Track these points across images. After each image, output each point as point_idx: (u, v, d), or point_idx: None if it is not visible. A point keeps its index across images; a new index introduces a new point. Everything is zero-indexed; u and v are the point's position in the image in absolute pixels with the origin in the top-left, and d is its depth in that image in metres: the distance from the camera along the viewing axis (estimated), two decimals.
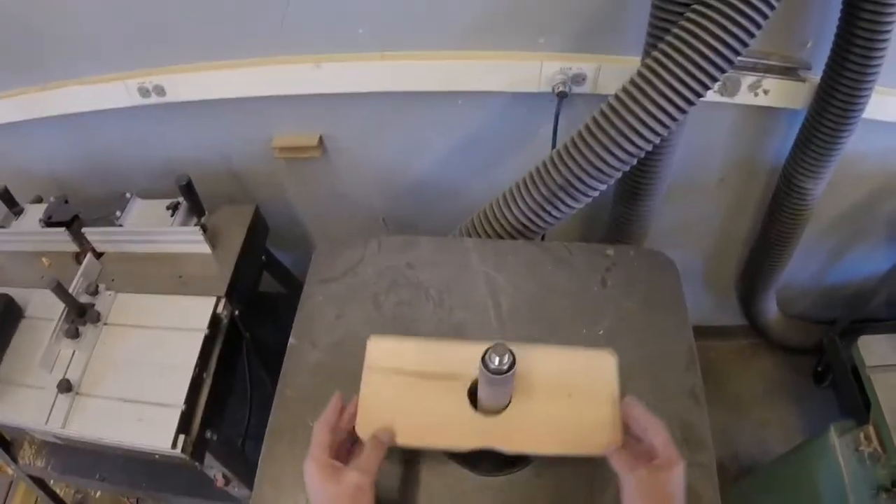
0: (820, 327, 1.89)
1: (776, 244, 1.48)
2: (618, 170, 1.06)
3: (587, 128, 1.05)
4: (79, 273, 1.23)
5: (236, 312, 1.23)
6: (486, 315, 0.98)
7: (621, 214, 1.37)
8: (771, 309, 1.80)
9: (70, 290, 1.18)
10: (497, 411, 0.78)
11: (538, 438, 0.76)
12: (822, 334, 1.84)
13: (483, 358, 0.70)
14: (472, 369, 0.77)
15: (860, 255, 1.69)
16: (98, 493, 1.86)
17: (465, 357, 0.80)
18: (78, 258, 1.33)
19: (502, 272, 1.03)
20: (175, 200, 1.29)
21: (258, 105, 1.23)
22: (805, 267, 1.69)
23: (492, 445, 0.76)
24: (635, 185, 1.29)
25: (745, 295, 1.77)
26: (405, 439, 0.76)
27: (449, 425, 0.78)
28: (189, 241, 1.26)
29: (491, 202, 1.18)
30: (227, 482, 1.26)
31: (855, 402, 1.65)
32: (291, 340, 0.97)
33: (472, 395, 0.79)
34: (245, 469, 1.26)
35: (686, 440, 0.86)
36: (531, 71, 1.15)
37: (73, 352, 1.19)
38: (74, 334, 1.18)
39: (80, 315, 1.20)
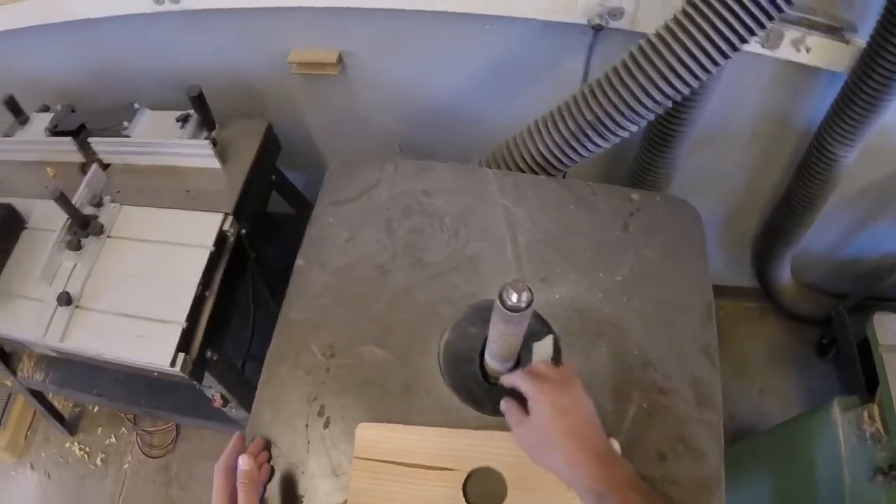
0: (830, 299, 1.84)
1: (799, 207, 1.41)
2: (651, 111, 1.00)
3: (624, 64, 0.98)
4: (83, 184, 1.17)
5: (243, 231, 1.17)
6: (501, 249, 0.93)
7: (646, 159, 1.31)
8: (784, 274, 1.74)
9: (73, 202, 1.13)
10: (507, 362, 0.75)
11: None
12: (831, 307, 1.80)
13: (500, 294, 0.64)
14: (468, 461, 0.75)
15: (881, 230, 1.63)
16: (96, 408, 1.84)
17: (460, 448, 0.76)
18: (83, 169, 1.27)
19: (522, 206, 0.97)
20: (185, 112, 1.22)
21: (276, 16, 1.15)
22: (824, 235, 1.63)
23: None
24: (665, 130, 1.22)
25: (760, 256, 1.72)
26: None
27: None
28: (198, 154, 1.20)
29: (515, 134, 1.12)
30: (226, 402, 1.23)
31: (856, 379, 1.62)
32: (299, 261, 0.92)
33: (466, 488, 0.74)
34: (244, 390, 1.23)
35: (696, 397, 0.82)
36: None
37: (75, 264, 1.14)
38: (76, 246, 1.14)
39: (82, 227, 1.15)
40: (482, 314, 0.84)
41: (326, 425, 0.79)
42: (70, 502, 1.71)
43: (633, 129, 1.03)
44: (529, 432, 0.67)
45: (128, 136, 1.23)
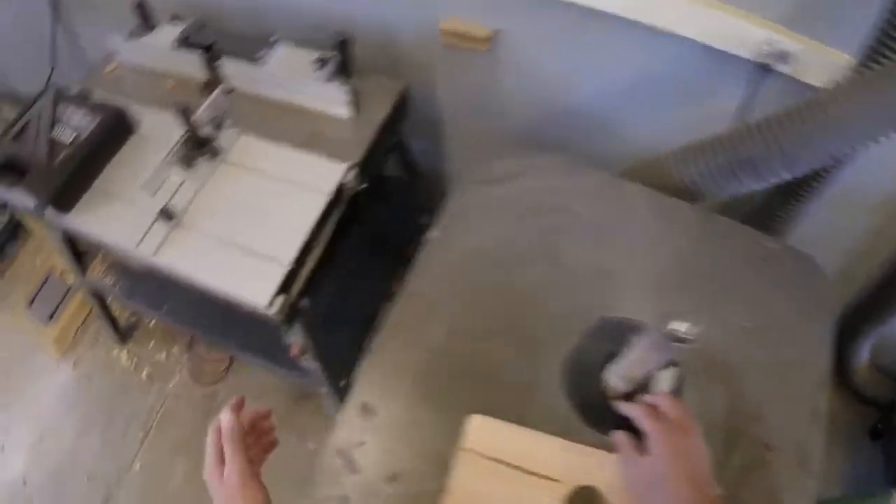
0: None
1: None
2: (819, 163, 0.95)
3: (803, 108, 0.92)
4: (207, 102, 1.14)
5: (363, 186, 1.14)
6: (640, 269, 0.89)
7: (776, 205, 1.25)
8: (863, 353, 1.68)
9: (193, 119, 1.10)
10: (631, 384, 0.73)
11: None
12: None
13: (668, 324, 0.67)
14: (576, 477, 0.72)
15: None
16: (152, 322, 1.84)
17: (571, 462, 0.73)
18: (207, 88, 1.24)
19: (667, 229, 0.93)
20: (325, 55, 1.19)
21: None
22: None
23: None
24: (808, 182, 1.17)
25: (845, 329, 1.65)
26: None
27: None
28: (332, 100, 1.17)
29: (664, 153, 1.07)
30: (303, 353, 1.20)
31: None
32: (434, 233, 0.89)
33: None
34: (324, 345, 1.20)
35: (798, 460, 0.79)
36: (737, 30, 1.02)
37: (183, 181, 1.13)
38: (189, 163, 1.12)
39: (199, 145, 1.13)
40: (611, 330, 0.83)
41: (430, 407, 0.77)
42: (104, 408, 1.71)
43: (791, 176, 0.98)
44: (641, 471, 0.65)
45: (263, 65, 1.20)
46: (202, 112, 1.13)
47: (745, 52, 1.05)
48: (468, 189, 0.93)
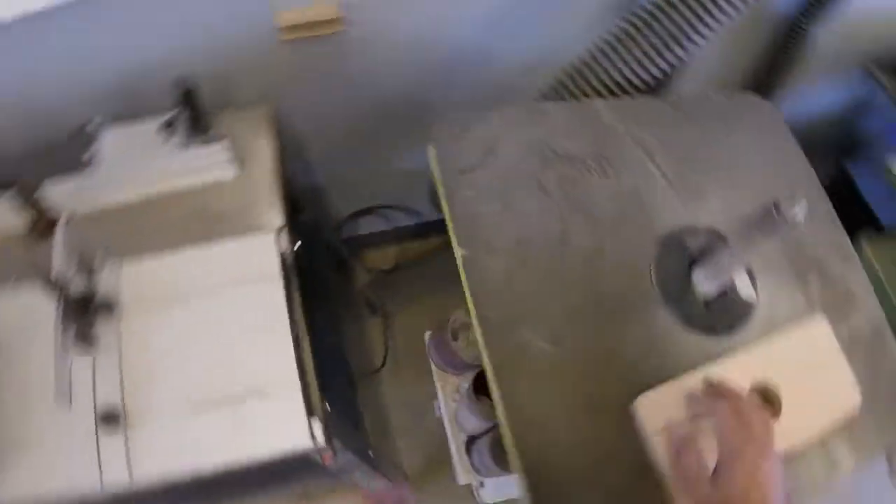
0: None
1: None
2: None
3: None
4: (55, 252, 0.83)
5: (298, 245, 0.94)
6: (651, 177, 0.84)
7: None
8: None
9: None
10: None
11: None
12: None
13: (775, 206, 0.62)
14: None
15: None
16: None
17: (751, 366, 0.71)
18: (39, 234, 0.91)
19: (643, 130, 0.88)
20: (168, 116, 0.93)
21: None
22: None
23: None
24: None
25: None
26: None
27: None
28: (204, 166, 0.93)
29: (577, 62, 1.01)
30: (335, 454, 0.99)
31: None
32: (462, 252, 0.75)
33: None
34: (344, 432, 1.01)
35: None
36: None
37: (93, 368, 0.83)
38: (87, 339, 0.83)
39: (83, 312, 0.83)
40: (676, 243, 0.79)
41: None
42: None
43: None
44: (706, 493, 0.55)
45: (94, 168, 0.91)
46: (57, 267, 0.82)
47: None
48: (457, 184, 0.78)
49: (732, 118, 0.94)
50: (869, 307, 0.83)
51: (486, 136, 0.83)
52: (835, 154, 1.83)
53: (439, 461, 1.55)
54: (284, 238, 0.91)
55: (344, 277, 1.64)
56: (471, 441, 1.08)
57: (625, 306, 0.75)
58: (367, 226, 1.66)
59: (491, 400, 0.84)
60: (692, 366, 0.70)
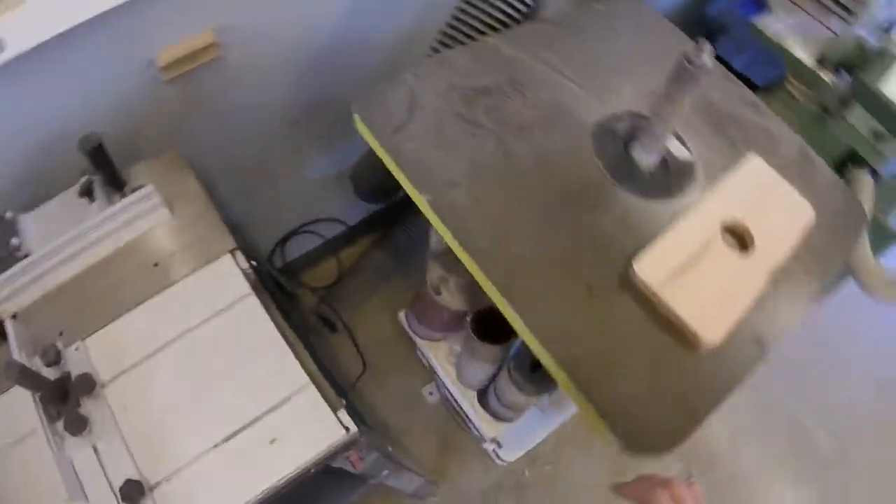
0: None
1: None
2: None
3: None
4: (12, 349, 0.80)
5: (253, 263, 0.93)
6: (566, 87, 0.91)
7: None
8: None
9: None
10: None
11: None
12: None
13: (686, 56, 0.69)
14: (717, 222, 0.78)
15: None
16: None
17: (710, 216, 0.78)
18: None
19: (541, 49, 0.94)
20: (84, 181, 0.89)
21: (132, 15, 0.88)
22: None
23: None
24: None
25: None
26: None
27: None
28: (138, 215, 0.90)
29: (458, 7, 1.07)
30: (361, 456, 0.99)
31: None
32: (427, 197, 0.77)
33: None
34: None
35: None
36: None
37: (95, 448, 0.79)
38: (78, 427, 0.78)
39: (61, 398, 0.79)
40: (607, 131, 0.87)
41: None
42: None
43: None
44: None
45: (22, 256, 0.86)
46: (20, 363, 0.77)
47: None
48: (395, 142, 0.80)
49: (615, 21, 1.02)
50: (788, 138, 0.93)
51: (405, 95, 0.86)
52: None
53: (451, 444, 1.57)
54: (241, 257, 0.90)
55: (291, 305, 1.61)
56: (482, 395, 1.10)
57: (587, 196, 0.81)
58: (298, 248, 1.65)
59: (493, 341, 0.88)
60: (663, 228, 0.77)
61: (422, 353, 1.26)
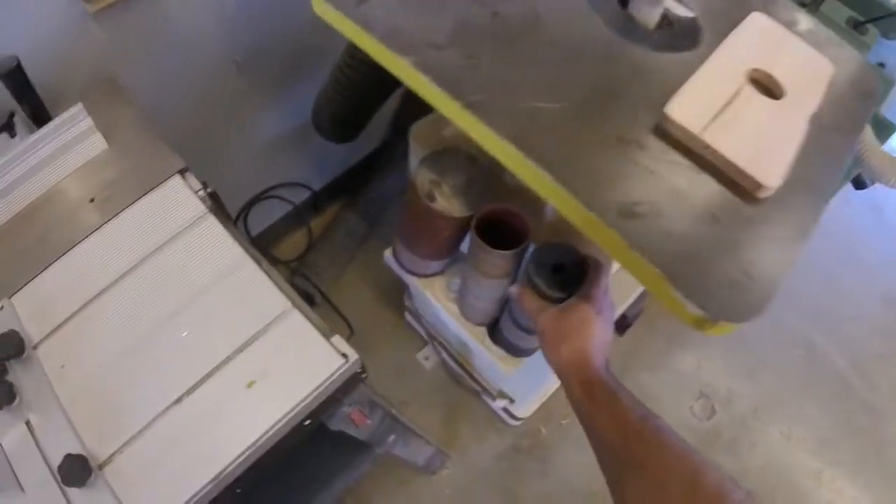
0: None
1: None
2: None
3: None
4: None
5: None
6: None
7: None
8: None
9: None
10: None
11: None
12: None
13: None
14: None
15: None
16: None
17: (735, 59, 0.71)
18: None
19: None
20: (5, 115, 0.75)
21: None
22: None
23: None
24: None
25: None
26: None
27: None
28: (69, 145, 0.76)
29: None
30: (364, 413, 0.84)
31: None
32: (410, 59, 0.64)
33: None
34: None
35: None
36: None
37: (28, 423, 0.65)
38: (5, 397, 0.64)
39: None
40: None
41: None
42: None
43: None
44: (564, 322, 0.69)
45: None
46: None
47: None
48: (363, 15, 0.67)
49: None
50: (783, 4, 0.84)
51: None
52: None
53: (457, 411, 1.45)
54: (192, 178, 0.76)
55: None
56: (492, 328, 0.97)
57: (595, 50, 0.71)
58: (262, 219, 1.50)
59: (502, 246, 0.76)
60: (684, 77, 0.67)
61: (418, 297, 1.13)
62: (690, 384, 1.62)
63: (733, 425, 1.58)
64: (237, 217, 1.44)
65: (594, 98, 0.66)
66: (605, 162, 0.61)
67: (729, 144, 0.62)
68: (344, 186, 1.61)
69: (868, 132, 1.15)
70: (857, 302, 1.90)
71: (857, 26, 1.27)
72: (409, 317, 1.46)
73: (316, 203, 1.57)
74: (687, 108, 0.63)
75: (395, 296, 1.48)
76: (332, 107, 1.14)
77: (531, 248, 0.78)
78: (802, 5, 1.28)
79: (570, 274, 0.74)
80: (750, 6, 0.80)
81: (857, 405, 1.68)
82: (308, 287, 1.47)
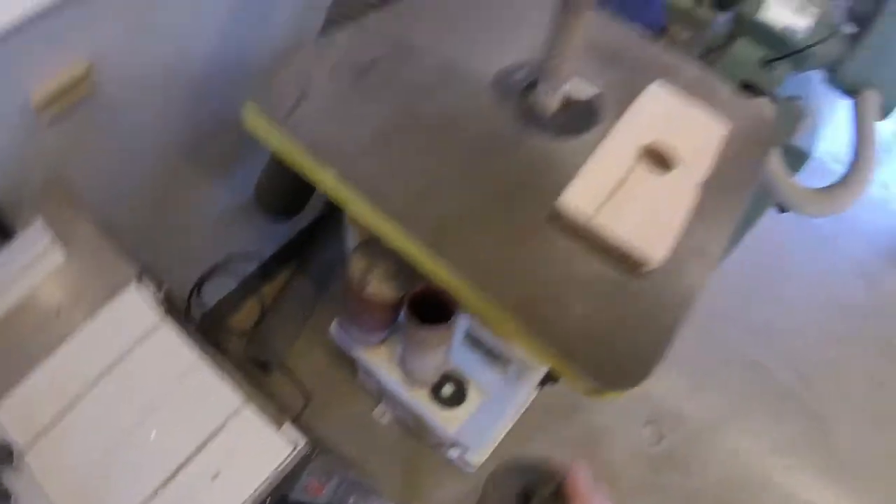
0: None
1: None
2: None
3: None
4: None
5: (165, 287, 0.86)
6: (455, 45, 0.91)
7: None
8: None
9: None
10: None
11: None
12: None
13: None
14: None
15: None
16: None
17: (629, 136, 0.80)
18: None
19: (423, 20, 0.95)
20: None
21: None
22: None
23: None
24: None
25: None
26: None
27: None
28: (30, 261, 0.83)
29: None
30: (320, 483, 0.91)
31: None
32: (332, 171, 0.74)
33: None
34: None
35: None
36: None
37: None
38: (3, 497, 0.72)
39: None
40: (506, 81, 0.88)
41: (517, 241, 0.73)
42: None
43: None
44: None
45: None
46: None
47: None
48: (291, 126, 0.77)
49: None
50: (685, 64, 0.98)
51: (295, 78, 0.83)
52: None
53: (416, 463, 1.51)
54: (148, 282, 0.84)
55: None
56: (436, 389, 1.06)
57: (499, 146, 0.81)
58: (215, 292, 1.56)
59: (430, 322, 0.85)
60: (581, 162, 0.77)
61: (363, 366, 1.21)
62: (637, 412, 1.71)
63: (684, 446, 1.67)
64: (191, 292, 1.50)
65: (498, 195, 0.76)
66: (507, 254, 0.71)
67: (617, 227, 0.71)
68: (292, 253, 1.69)
69: (778, 164, 1.24)
70: (798, 314, 2.02)
71: (768, 63, 1.36)
72: (361, 376, 1.53)
73: (266, 271, 1.64)
74: (578, 197, 0.73)
75: (348, 356, 1.54)
76: (275, 185, 1.22)
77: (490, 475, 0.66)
78: (710, 51, 1.40)
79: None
80: (652, 72, 0.92)
81: (803, 415, 1.79)
82: (263, 355, 1.54)
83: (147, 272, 0.85)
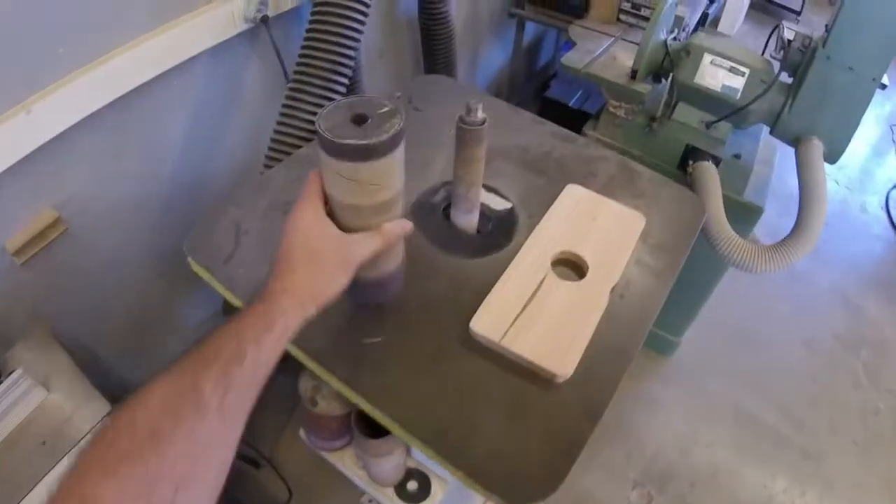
0: None
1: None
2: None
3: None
4: None
5: None
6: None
7: None
8: None
9: None
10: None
11: None
12: None
13: (460, 117, 0.76)
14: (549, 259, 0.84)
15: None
16: None
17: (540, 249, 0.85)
18: None
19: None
20: None
21: None
22: None
23: None
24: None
25: None
26: None
27: None
28: (13, 403, 0.95)
29: (276, 129, 1.16)
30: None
31: None
32: None
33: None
34: None
35: None
36: (225, 17, 1.14)
37: None
38: None
39: None
40: (427, 204, 0.95)
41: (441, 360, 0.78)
42: None
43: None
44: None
45: None
46: None
47: (244, 25, 1.19)
48: (228, 275, 0.86)
49: (418, 100, 1.14)
50: (606, 157, 1.05)
51: (229, 225, 0.92)
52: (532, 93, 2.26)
53: None
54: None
55: None
56: (400, 486, 1.12)
57: (418, 270, 0.86)
58: None
59: (379, 433, 0.90)
60: (493, 281, 0.83)
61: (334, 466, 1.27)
62: (623, 476, 1.70)
63: None
64: None
65: (414, 321, 0.81)
66: (421, 382, 0.76)
67: (526, 344, 0.75)
68: None
69: (726, 228, 1.27)
70: (779, 354, 2.02)
71: (709, 126, 1.43)
72: None
73: None
74: (488, 319, 0.78)
75: None
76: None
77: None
78: (653, 119, 1.45)
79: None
80: (571, 171, 0.98)
81: (796, 454, 1.77)
82: (252, 453, 1.60)
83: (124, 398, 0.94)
